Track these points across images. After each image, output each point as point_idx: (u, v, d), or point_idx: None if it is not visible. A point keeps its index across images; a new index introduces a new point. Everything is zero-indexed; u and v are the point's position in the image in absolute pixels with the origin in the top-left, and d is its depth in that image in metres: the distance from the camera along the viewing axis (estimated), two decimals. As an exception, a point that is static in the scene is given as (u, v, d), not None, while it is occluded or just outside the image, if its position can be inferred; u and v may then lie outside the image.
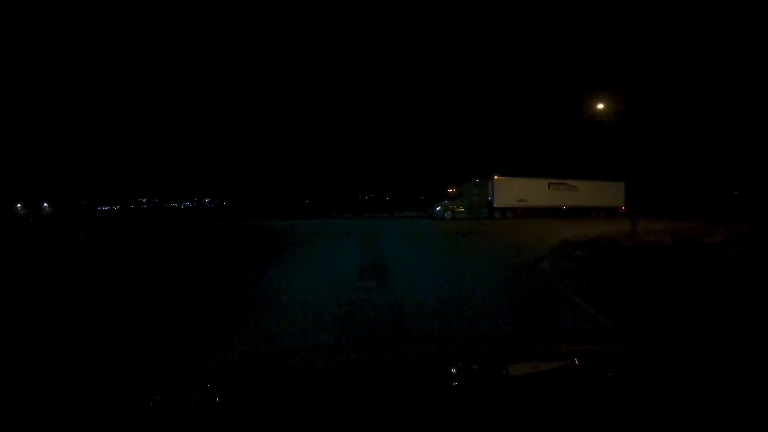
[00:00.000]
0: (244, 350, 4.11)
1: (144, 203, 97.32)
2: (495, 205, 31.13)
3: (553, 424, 0.84)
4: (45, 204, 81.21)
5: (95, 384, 1.29)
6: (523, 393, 1.04)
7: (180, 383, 1.26)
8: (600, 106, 24.84)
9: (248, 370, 1.38)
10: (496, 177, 31.18)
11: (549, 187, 33.24)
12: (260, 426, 0.89)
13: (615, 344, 1.62)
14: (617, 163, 42.49)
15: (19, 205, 69.31)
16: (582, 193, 34.47)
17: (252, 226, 26.89)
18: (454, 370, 1.35)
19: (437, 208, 30.50)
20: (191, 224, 29.43)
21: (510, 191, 31.40)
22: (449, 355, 1.55)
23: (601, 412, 0.89)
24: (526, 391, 1.05)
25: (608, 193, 35.94)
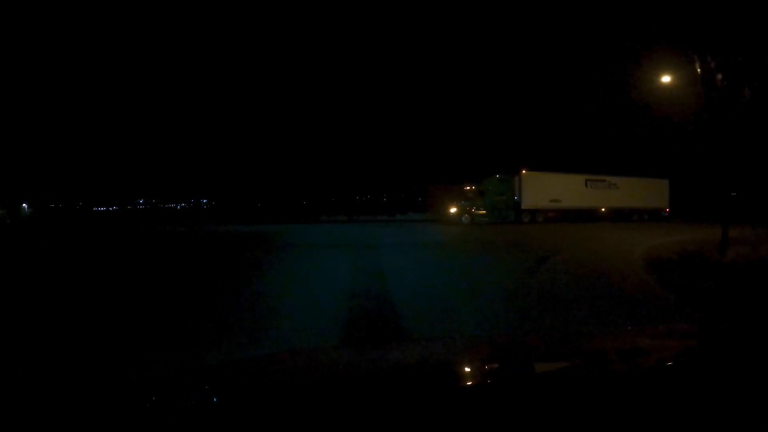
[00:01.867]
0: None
1: (141, 204, 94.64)
2: (523, 207, 25.41)
3: (554, 425, 0.83)
4: (24, 205, 77.50)
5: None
6: (523, 394, 1.01)
7: (176, 384, 1.23)
8: (666, 79, 18.80)
9: (246, 371, 1.36)
10: (524, 171, 25.46)
11: (586, 185, 27.51)
12: (258, 427, 0.88)
13: (622, 344, 1.61)
14: (663, 155, 36.95)
15: (-5, 205, 64.88)
16: (623, 192, 28.72)
17: (222, 231, 21.58)
18: (455, 372, 1.37)
19: (452, 210, 24.82)
20: (154, 230, 23.90)
21: (541, 189, 25.69)
22: (451, 357, 1.53)
23: (604, 414, 0.87)
24: (527, 392, 1.02)
25: (652, 193, 30.24)
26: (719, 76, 11.98)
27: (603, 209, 28.03)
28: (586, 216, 27.09)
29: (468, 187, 25.92)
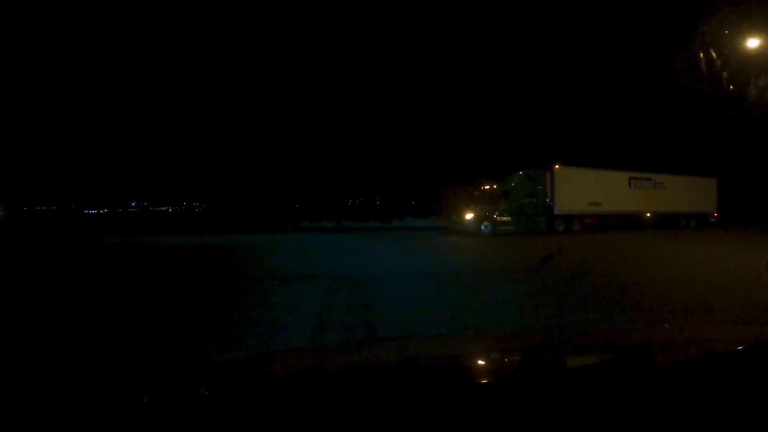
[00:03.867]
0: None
1: (133, 206, 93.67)
2: (556, 212, 19.97)
3: (546, 426, 0.81)
4: (-5, 207, 74.60)
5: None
6: (524, 393, 0.96)
7: (169, 383, 1.18)
8: (754, 42, 13.10)
9: (242, 371, 1.31)
10: (557, 167, 20.10)
11: (630, 184, 22.21)
12: (254, 427, 0.85)
13: (618, 343, 1.59)
14: (703, 149, 31.75)
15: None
16: (670, 193, 23.46)
17: (165, 244, 16.15)
18: (456, 370, 1.32)
19: (468, 217, 19.34)
20: (81, 241, 18.39)
21: (577, 189, 20.29)
22: (454, 355, 1.51)
23: (598, 413, 0.84)
24: (528, 391, 0.97)
25: (699, 194, 25.03)
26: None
27: (648, 214, 22.80)
28: (629, 222, 21.85)
29: (487, 187, 20.45)
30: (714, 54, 10.10)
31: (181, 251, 14.19)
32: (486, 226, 18.83)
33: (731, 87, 10.77)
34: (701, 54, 10.44)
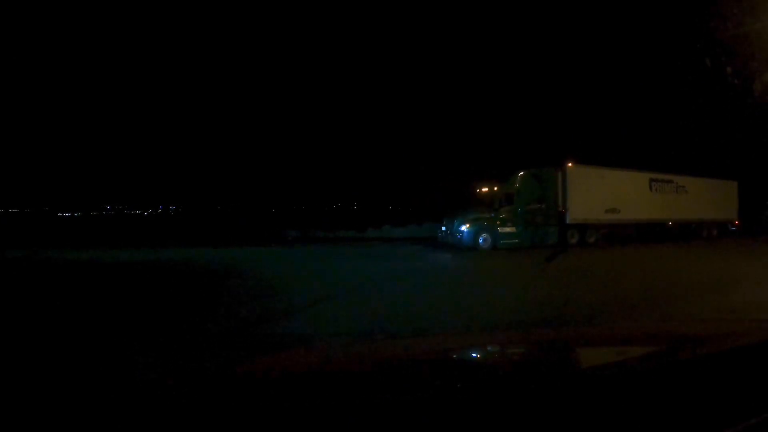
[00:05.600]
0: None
1: (108, 210, 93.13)
2: (569, 220, 16.38)
3: (548, 425, 0.79)
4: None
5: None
6: (521, 390, 0.94)
7: (170, 386, 1.15)
8: (759, 36, 10.23)
9: (244, 370, 1.28)
10: (570, 165, 16.53)
11: (651, 187, 18.82)
12: (256, 427, 0.83)
13: (626, 340, 1.54)
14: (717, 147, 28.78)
15: None
16: (692, 197, 20.22)
17: (61, 262, 12.02)
18: (458, 369, 1.31)
19: (462, 227, 15.38)
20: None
21: (593, 193, 16.71)
22: (452, 354, 1.47)
23: (606, 412, 0.82)
24: (526, 388, 0.95)
25: (721, 199, 22.00)
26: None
27: (670, 222, 19.51)
28: (648, 233, 18.50)
29: (485, 189, 16.73)
30: (718, 48, 9.91)
31: (69, 276, 10.22)
32: (485, 239, 15.09)
33: (736, 82, 10.50)
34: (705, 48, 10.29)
